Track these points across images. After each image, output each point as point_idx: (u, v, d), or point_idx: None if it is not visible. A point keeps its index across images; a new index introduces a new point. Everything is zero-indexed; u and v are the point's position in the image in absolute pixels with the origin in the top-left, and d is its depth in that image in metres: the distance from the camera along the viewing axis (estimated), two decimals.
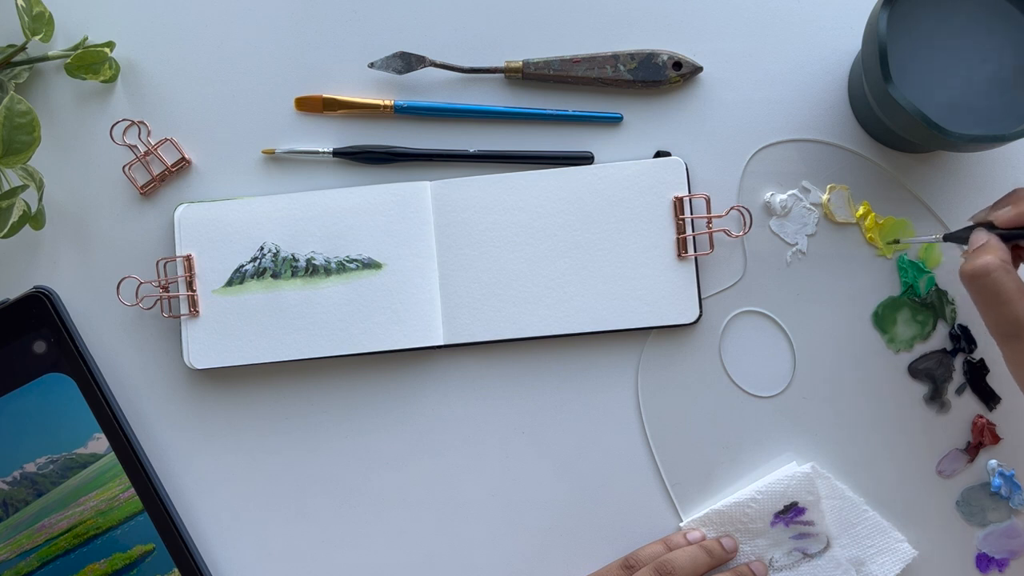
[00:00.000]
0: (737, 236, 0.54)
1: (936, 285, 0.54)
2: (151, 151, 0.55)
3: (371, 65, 0.55)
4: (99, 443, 0.54)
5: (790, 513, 0.52)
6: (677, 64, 0.54)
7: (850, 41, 0.54)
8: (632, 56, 0.54)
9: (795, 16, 0.54)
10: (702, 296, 0.54)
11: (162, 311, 0.54)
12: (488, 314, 0.53)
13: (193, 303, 0.54)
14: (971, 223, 0.48)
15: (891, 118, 0.48)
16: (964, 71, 0.47)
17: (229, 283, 0.54)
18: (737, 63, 0.54)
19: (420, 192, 0.54)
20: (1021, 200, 0.46)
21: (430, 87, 0.55)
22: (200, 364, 0.54)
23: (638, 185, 0.53)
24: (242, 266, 0.54)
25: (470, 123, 0.55)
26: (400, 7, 0.55)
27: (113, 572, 0.53)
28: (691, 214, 0.53)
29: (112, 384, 0.55)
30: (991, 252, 0.45)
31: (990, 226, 0.47)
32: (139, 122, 0.55)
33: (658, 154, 0.54)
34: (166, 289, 0.54)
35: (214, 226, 0.54)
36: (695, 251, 0.53)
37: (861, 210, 0.54)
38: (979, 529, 0.54)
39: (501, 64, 0.55)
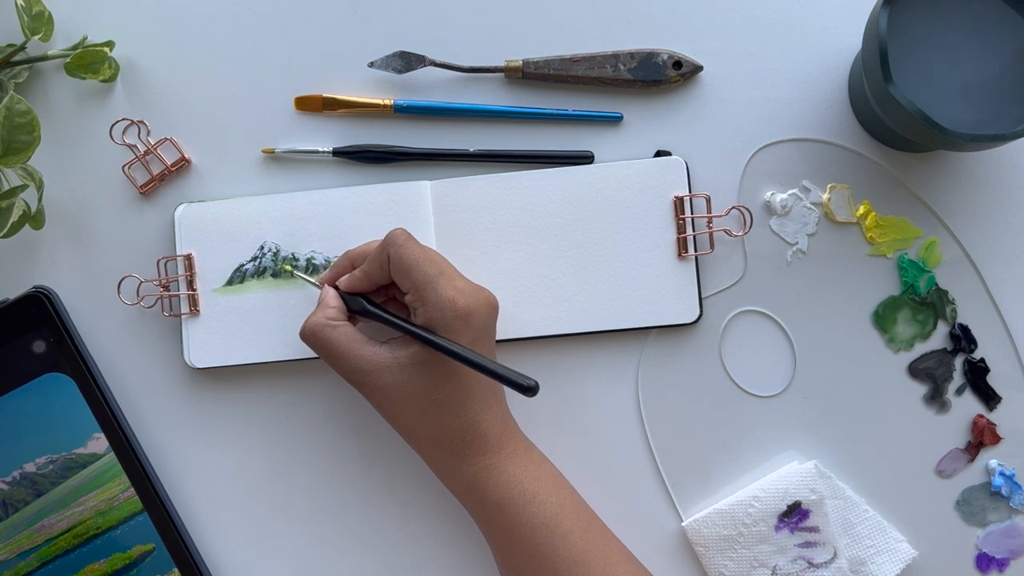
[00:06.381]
0: (737, 236, 0.54)
1: (936, 284, 0.54)
2: (151, 151, 0.55)
3: (371, 64, 0.55)
4: (99, 443, 0.54)
5: (794, 517, 0.52)
6: (677, 63, 0.54)
7: (850, 41, 0.54)
8: (632, 55, 0.54)
9: (795, 15, 0.54)
10: (702, 296, 0.54)
11: (162, 310, 0.54)
12: None
13: (193, 302, 0.54)
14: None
15: (891, 117, 0.48)
16: (964, 70, 0.47)
17: (229, 282, 0.54)
18: (737, 62, 0.54)
19: (420, 192, 0.54)
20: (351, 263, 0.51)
21: (430, 86, 0.55)
22: (200, 363, 0.54)
23: (638, 185, 0.53)
24: (242, 265, 0.54)
25: (470, 122, 0.55)
26: (400, 7, 0.55)
27: (113, 572, 0.53)
28: (691, 213, 0.53)
29: (112, 384, 0.55)
30: (319, 311, 0.49)
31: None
32: (139, 121, 0.55)
33: (658, 153, 0.54)
34: (166, 288, 0.54)
35: (214, 225, 0.54)
36: (695, 251, 0.53)
37: (862, 209, 0.54)
38: (979, 529, 0.54)
39: (501, 63, 0.55)
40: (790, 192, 0.54)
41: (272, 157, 0.55)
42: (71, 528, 0.53)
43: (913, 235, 0.54)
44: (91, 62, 0.54)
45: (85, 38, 0.55)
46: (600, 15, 0.55)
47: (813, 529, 0.52)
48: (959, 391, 0.54)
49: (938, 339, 0.54)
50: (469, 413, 0.48)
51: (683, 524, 0.53)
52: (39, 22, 0.54)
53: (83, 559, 0.53)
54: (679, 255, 0.53)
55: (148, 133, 0.55)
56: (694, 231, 0.53)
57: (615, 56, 0.54)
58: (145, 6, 0.56)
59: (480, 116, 0.55)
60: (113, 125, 0.55)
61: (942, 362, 0.54)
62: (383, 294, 0.51)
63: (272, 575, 0.55)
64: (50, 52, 0.55)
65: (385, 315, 0.49)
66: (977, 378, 0.53)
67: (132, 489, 0.53)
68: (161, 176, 0.55)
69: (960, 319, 0.54)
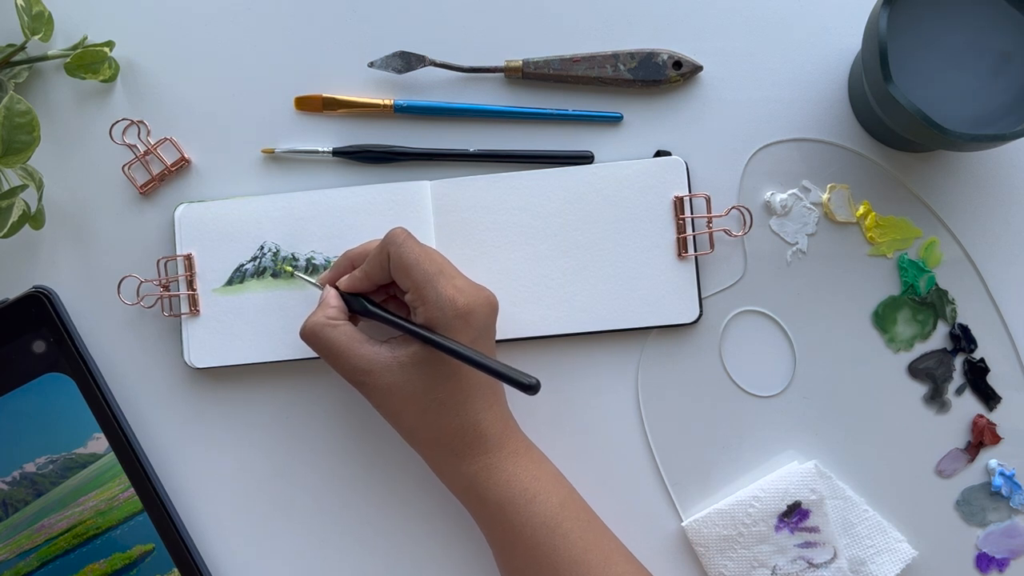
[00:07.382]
0: (737, 236, 0.54)
1: (936, 284, 0.54)
2: (151, 151, 0.55)
3: (371, 64, 0.55)
4: (98, 443, 0.54)
5: (794, 517, 0.52)
6: (677, 63, 0.54)
7: (850, 40, 0.54)
8: (632, 55, 0.54)
9: (795, 15, 0.54)
10: (702, 296, 0.54)
11: (163, 310, 0.54)
12: None
13: (193, 302, 0.54)
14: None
15: (891, 117, 0.48)
16: (964, 70, 0.47)
17: (229, 282, 0.54)
18: (737, 62, 0.54)
19: (420, 192, 0.54)
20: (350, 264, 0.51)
21: (430, 86, 0.55)
22: (200, 363, 0.54)
23: (638, 185, 0.53)
24: (242, 265, 0.54)
25: (470, 122, 0.55)
26: (400, 7, 0.55)
27: (113, 572, 0.53)
28: (691, 214, 0.53)
29: (112, 384, 0.55)
30: (320, 311, 0.49)
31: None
32: (138, 121, 0.55)
33: (658, 153, 0.54)
34: (166, 288, 0.54)
35: (214, 225, 0.54)
36: (695, 251, 0.53)
37: (861, 209, 0.54)
38: (979, 529, 0.54)
39: (501, 63, 0.55)
40: (790, 192, 0.54)
41: (272, 157, 0.55)
42: (71, 528, 0.53)
43: (913, 235, 0.54)
44: (91, 62, 0.54)
45: (85, 38, 0.55)
46: (600, 15, 0.55)
47: (813, 529, 0.52)
48: (959, 391, 0.54)
49: (938, 339, 0.54)
50: (469, 412, 0.48)
51: (683, 524, 0.53)
52: (39, 22, 0.54)
53: (83, 559, 0.53)
54: (679, 255, 0.53)
55: (148, 133, 0.55)
56: (694, 231, 0.53)
57: (615, 56, 0.54)
58: (145, 6, 0.56)
59: (480, 116, 0.55)
60: (113, 125, 0.55)
61: (942, 362, 0.54)
62: (383, 293, 0.51)
63: (272, 575, 0.55)
64: (50, 52, 0.55)
65: (385, 314, 0.49)
66: (977, 378, 0.53)
67: (132, 489, 0.53)
68: (161, 176, 0.55)
69: (960, 319, 0.54)
